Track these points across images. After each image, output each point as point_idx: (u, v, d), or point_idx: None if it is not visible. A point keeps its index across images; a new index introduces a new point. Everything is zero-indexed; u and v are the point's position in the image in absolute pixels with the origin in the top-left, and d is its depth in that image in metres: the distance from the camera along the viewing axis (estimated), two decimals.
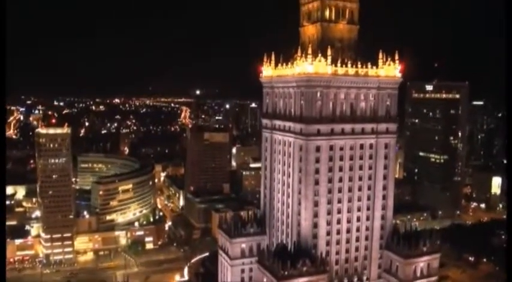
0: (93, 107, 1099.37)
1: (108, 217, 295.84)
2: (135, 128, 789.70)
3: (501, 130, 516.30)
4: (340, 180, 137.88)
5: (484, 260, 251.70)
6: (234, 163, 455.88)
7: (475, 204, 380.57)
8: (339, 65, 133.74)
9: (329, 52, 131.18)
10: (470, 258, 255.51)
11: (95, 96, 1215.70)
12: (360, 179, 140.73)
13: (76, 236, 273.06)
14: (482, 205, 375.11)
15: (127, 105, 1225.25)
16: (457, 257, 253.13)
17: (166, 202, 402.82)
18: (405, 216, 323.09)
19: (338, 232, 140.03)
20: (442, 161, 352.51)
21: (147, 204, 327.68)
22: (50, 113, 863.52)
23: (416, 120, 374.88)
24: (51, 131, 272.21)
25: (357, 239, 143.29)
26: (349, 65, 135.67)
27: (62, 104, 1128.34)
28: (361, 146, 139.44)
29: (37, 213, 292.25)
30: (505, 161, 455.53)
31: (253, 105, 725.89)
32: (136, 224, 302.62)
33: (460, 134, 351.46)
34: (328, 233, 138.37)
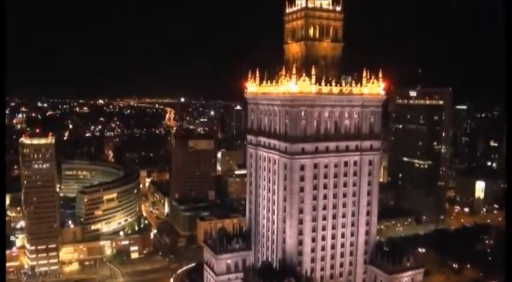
0: (77, 109, 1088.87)
1: (93, 227, 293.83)
2: (119, 130, 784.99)
3: (484, 132, 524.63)
4: (325, 197, 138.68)
5: (468, 265, 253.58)
6: (219, 167, 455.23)
7: (458, 208, 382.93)
8: (323, 84, 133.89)
9: (313, 71, 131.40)
10: (454, 264, 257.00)
11: (79, 97, 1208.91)
12: (345, 195, 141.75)
13: (61, 247, 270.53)
14: (466, 209, 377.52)
15: (111, 106, 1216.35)
16: (441, 263, 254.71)
17: (152, 209, 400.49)
18: (390, 222, 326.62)
19: (323, 248, 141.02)
20: (426, 166, 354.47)
21: (132, 212, 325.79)
22: (33, 114, 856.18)
23: (400, 126, 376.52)
24: (35, 141, 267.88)
25: (342, 255, 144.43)
26: (333, 84, 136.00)
27: (45, 105, 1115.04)
28: (346, 164, 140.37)
29: (22, 223, 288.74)
30: (489, 163, 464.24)
31: (238, 107, 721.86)
32: (121, 233, 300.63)
33: (443, 139, 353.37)
34: (313, 250, 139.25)
